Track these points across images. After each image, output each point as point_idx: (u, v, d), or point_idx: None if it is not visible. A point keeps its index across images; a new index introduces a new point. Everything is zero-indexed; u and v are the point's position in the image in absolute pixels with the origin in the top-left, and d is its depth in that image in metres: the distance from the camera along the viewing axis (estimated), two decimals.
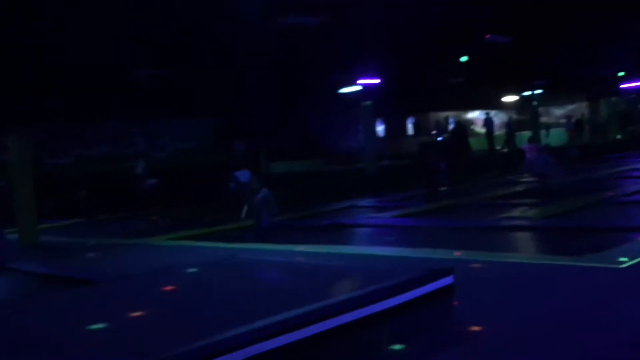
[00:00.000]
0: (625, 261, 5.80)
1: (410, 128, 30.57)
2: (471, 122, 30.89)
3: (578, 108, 32.56)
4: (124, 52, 14.76)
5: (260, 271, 6.41)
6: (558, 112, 33.26)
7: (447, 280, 5.16)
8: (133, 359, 3.76)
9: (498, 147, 26.65)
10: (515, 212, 11.31)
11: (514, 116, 30.85)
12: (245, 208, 12.60)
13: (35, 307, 5.97)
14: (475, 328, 4.31)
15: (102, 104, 19.46)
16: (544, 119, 31.54)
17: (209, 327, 4.16)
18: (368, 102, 20.60)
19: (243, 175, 13.45)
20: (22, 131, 13.18)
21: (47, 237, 13.11)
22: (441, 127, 29.19)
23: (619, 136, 30.47)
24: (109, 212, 16.75)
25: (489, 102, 29.47)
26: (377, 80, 20.02)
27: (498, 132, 27.96)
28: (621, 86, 29.24)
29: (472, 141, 25.46)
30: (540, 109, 30.87)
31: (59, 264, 9.18)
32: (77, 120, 19.53)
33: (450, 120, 30.11)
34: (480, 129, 29.41)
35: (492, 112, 28.40)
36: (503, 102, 31.29)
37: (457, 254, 6.98)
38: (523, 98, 30.51)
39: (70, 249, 11.20)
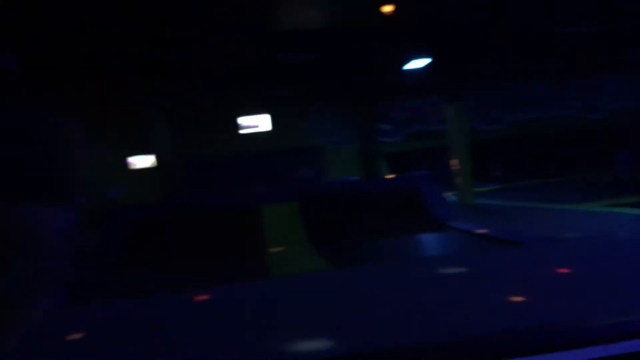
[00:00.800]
0: None
1: None
2: None
3: None
4: (553, 9, 14.21)
5: None
6: None
7: None
8: None
9: None
10: None
11: None
12: None
13: (476, 261, 6.52)
14: None
15: (531, 66, 19.29)
16: None
17: None
18: None
19: None
20: (460, 100, 14.22)
21: (482, 199, 13.96)
22: None
23: None
24: (539, 177, 16.72)
25: None
26: None
27: None
28: None
29: None
30: None
31: (490, 225, 9.67)
32: (507, 85, 19.85)
33: None
34: None
35: None
36: None
37: None
38: None
39: (501, 212, 11.69)
